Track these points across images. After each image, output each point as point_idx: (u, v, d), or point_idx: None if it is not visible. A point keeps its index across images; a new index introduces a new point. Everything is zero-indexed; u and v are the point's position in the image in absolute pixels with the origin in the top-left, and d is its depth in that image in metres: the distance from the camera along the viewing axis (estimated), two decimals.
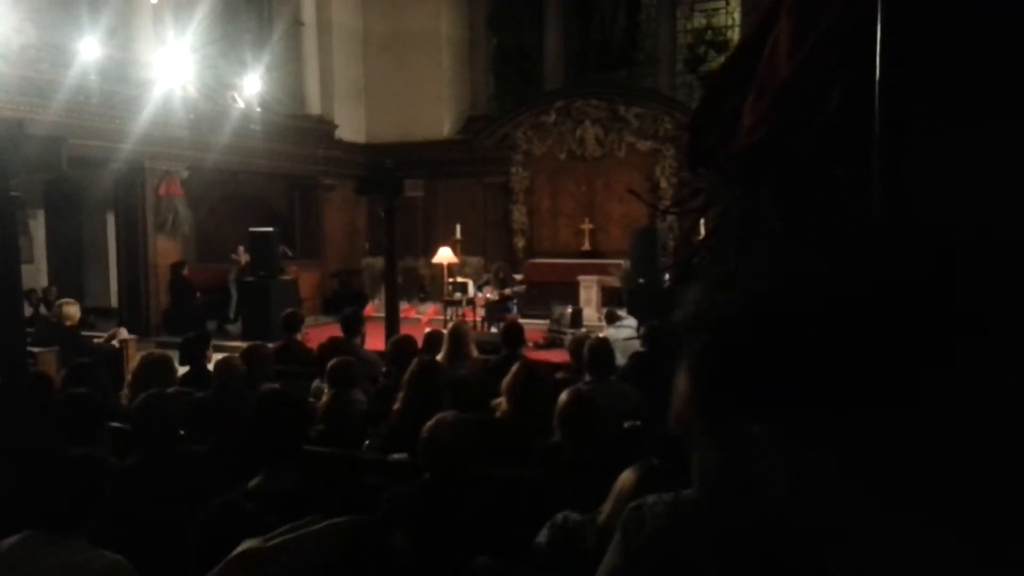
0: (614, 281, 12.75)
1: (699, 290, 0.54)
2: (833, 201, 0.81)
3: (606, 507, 2.31)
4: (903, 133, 0.72)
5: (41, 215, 15.64)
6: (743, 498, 0.54)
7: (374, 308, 13.34)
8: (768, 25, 1.04)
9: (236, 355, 5.02)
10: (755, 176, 0.92)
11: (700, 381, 0.52)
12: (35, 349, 6.70)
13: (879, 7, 0.69)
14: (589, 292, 13.17)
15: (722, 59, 16.31)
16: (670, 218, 14.05)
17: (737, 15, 16.58)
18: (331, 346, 6.17)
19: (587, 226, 15.69)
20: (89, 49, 11.19)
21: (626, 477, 2.29)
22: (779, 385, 0.48)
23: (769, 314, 0.48)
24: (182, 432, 3.59)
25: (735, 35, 16.56)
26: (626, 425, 4.20)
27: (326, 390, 4.67)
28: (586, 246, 15.57)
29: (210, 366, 5.65)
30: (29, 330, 6.47)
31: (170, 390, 4.23)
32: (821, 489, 0.49)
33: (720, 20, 17.09)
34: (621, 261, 12.79)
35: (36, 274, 14.50)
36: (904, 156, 0.71)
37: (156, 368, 4.70)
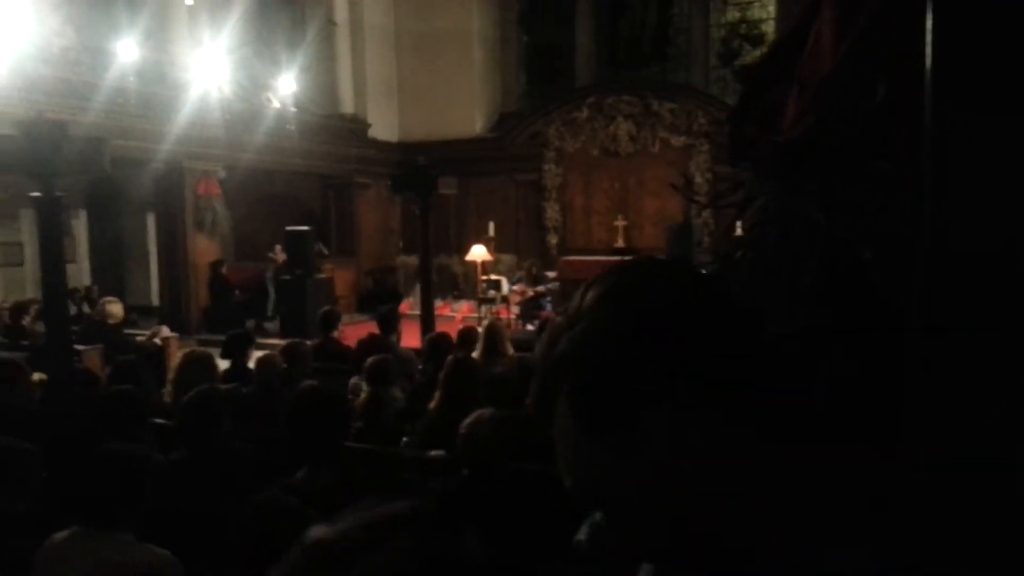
0: None
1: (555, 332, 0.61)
2: (878, 196, 0.80)
3: None
4: (952, 125, 0.71)
5: (83, 215, 15.98)
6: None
7: (409, 306, 13.43)
8: (810, 16, 1.02)
9: (276, 352, 5.09)
10: (797, 170, 0.92)
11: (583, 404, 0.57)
12: (79, 347, 6.85)
13: None
14: None
15: (756, 52, 16.13)
16: (705, 213, 13.95)
17: (772, 8, 16.35)
18: (369, 344, 6.22)
19: (620, 222, 15.62)
20: (127, 51, 11.40)
21: None
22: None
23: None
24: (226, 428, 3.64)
25: (770, 28, 16.35)
26: None
27: (364, 387, 4.71)
28: (619, 242, 15.50)
29: (249, 363, 5.74)
30: (73, 328, 6.63)
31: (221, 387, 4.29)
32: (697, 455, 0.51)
33: (754, 13, 16.87)
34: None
35: (79, 273, 14.82)
36: (954, 150, 0.71)
37: (198, 366, 4.77)
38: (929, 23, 0.70)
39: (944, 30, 0.70)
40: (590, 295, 0.58)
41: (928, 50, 0.70)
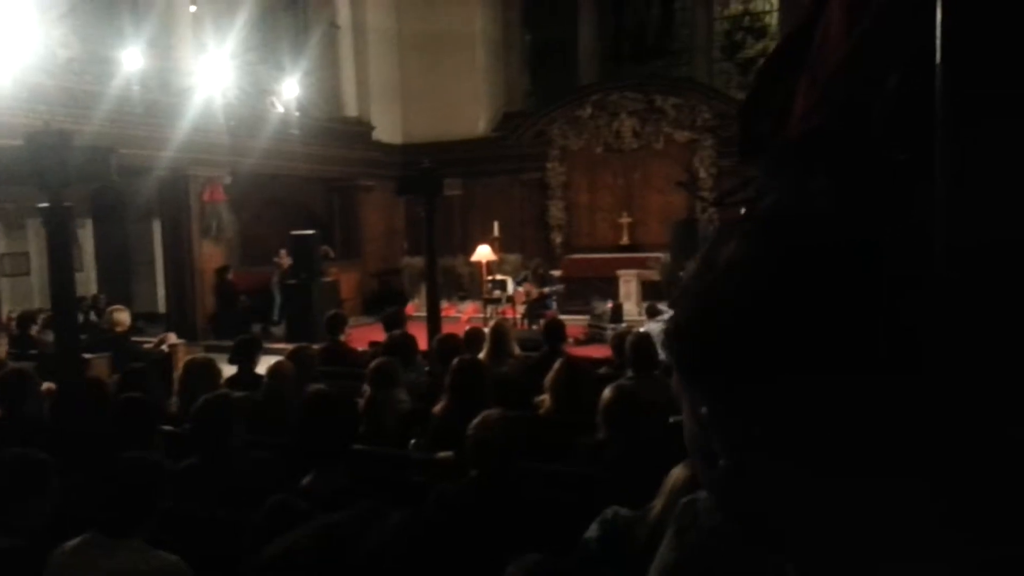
0: (653, 275, 12.66)
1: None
2: (893, 188, 0.78)
3: (657, 503, 2.29)
4: (968, 115, 0.69)
5: (89, 224, 16.04)
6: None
7: (414, 308, 13.43)
8: (820, 7, 1.00)
9: (287, 359, 5.08)
10: (809, 164, 0.89)
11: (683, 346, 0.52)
12: (87, 355, 6.86)
13: None
14: (628, 286, 13.09)
15: (760, 45, 16.09)
16: (711, 209, 13.90)
17: (775, 0, 16.32)
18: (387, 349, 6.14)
19: (625, 219, 15.59)
20: (131, 59, 11.43)
21: (677, 473, 2.27)
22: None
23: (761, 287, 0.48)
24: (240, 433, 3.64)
25: (773, 20, 16.30)
26: (671, 420, 4.17)
27: (367, 390, 4.70)
28: (624, 240, 15.48)
29: (257, 369, 5.74)
30: (81, 337, 6.64)
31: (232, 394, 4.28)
32: (763, 468, 0.48)
33: (757, 5, 16.83)
34: (660, 254, 12.69)
35: (86, 282, 14.88)
36: (970, 139, 0.68)
37: (201, 373, 4.78)
38: (939, 10, 0.68)
39: (955, 17, 0.68)
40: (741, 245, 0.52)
41: (939, 38, 0.69)
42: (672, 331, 0.51)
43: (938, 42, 0.72)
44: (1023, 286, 0.44)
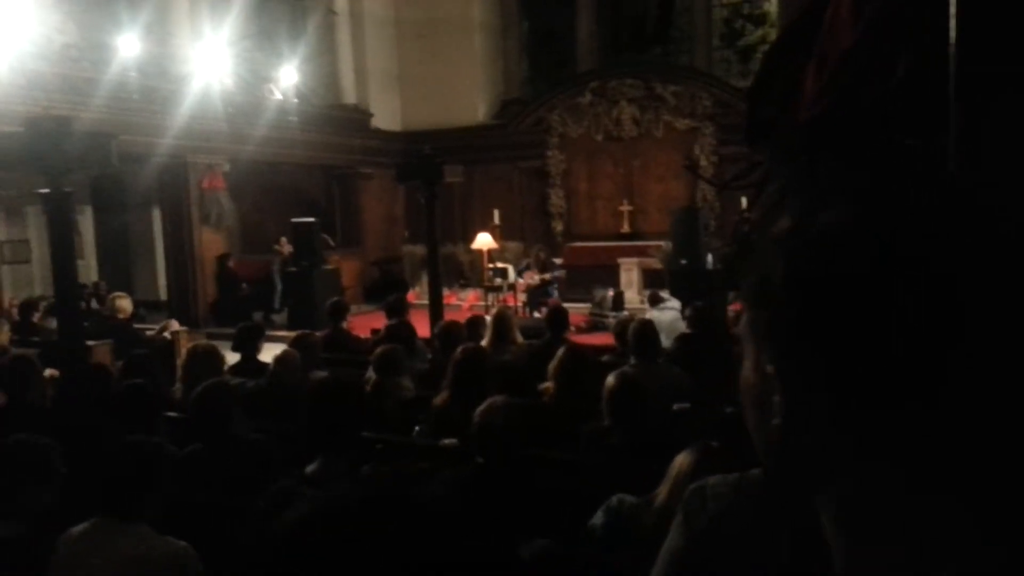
0: (654, 263, 12.66)
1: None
2: (903, 173, 0.79)
3: (663, 489, 2.31)
4: (980, 99, 0.70)
5: (89, 211, 16.02)
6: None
7: (415, 295, 13.44)
8: None
9: (292, 347, 5.09)
10: (817, 149, 0.90)
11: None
12: (89, 342, 6.87)
13: None
14: (629, 274, 13.09)
15: (759, 32, 16.02)
16: (711, 197, 13.89)
17: None
18: (387, 333, 6.18)
19: (625, 207, 15.57)
20: (129, 46, 11.38)
21: (683, 459, 2.28)
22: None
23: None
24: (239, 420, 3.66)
25: (772, 8, 16.21)
26: (675, 407, 4.18)
27: (372, 376, 4.72)
28: (625, 228, 15.46)
29: (259, 356, 5.76)
30: (84, 324, 6.65)
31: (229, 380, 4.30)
32: (811, 437, 0.49)
33: None
34: (661, 242, 12.69)
35: (86, 269, 14.87)
36: (982, 124, 0.69)
37: (204, 359, 4.79)
38: None
39: (968, 3, 0.69)
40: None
41: (952, 22, 0.69)
42: (768, 294, 0.51)
43: (951, 26, 0.72)
44: None
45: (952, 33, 0.75)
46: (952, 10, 0.72)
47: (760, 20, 16.41)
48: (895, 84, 0.87)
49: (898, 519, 0.47)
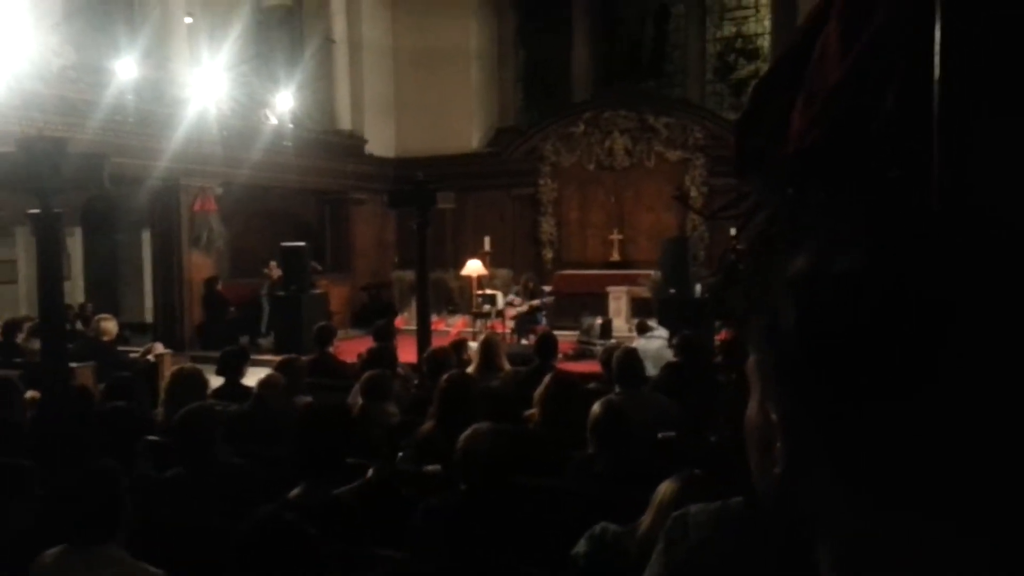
0: (643, 291, 12.69)
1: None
2: (887, 204, 0.79)
3: (646, 518, 2.29)
4: (963, 133, 0.70)
5: (78, 232, 15.96)
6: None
7: (404, 321, 13.41)
8: (816, 25, 1.02)
9: (277, 372, 5.06)
10: (805, 181, 0.90)
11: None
12: (73, 364, 6.81)
13: (938, 3, 0.67)
14: (618, 303, 13.11)
15: (752, 67, 16.24)
16: (701, 227, 13.97)
17: (767, 23, 16.48)
18: (369, 357, 6.17)
19: (616, 236, 15.64)
20: (126, 69, 11.43)
21: (667, 487, 2.27)
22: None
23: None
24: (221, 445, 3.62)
25: (765, 43, 16.46)
26: (660, 435, 4.17)
27: (359, 401, 4.69)
28: (615, 256, 15.52)
29: (243, 380, 5.72)
30: (68, 346, 6.59)
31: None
32: (814, 477, 0.49)
33: (750, 28, 17.00)
34: (651, 271, 12.73)
35: (73, 290, 14.78)
36: (965, 156, 0.69)
37: (187, 383, 4.75)
38: (938, 32, 0.70)
39: (952, 39, 0.70)
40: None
41: (937, 59, 0.70)
42: (773, 329, 0.50)
43: (936, 59, 0.73)
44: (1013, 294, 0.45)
45: (936, 68, 0.76)
46: (936, 47, 0.73)
47: (753, 55, 16.64)
48: (883, 118, 0.88)
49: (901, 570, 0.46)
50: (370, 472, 3.05)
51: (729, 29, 17.16)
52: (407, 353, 7.70)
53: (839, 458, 0.46)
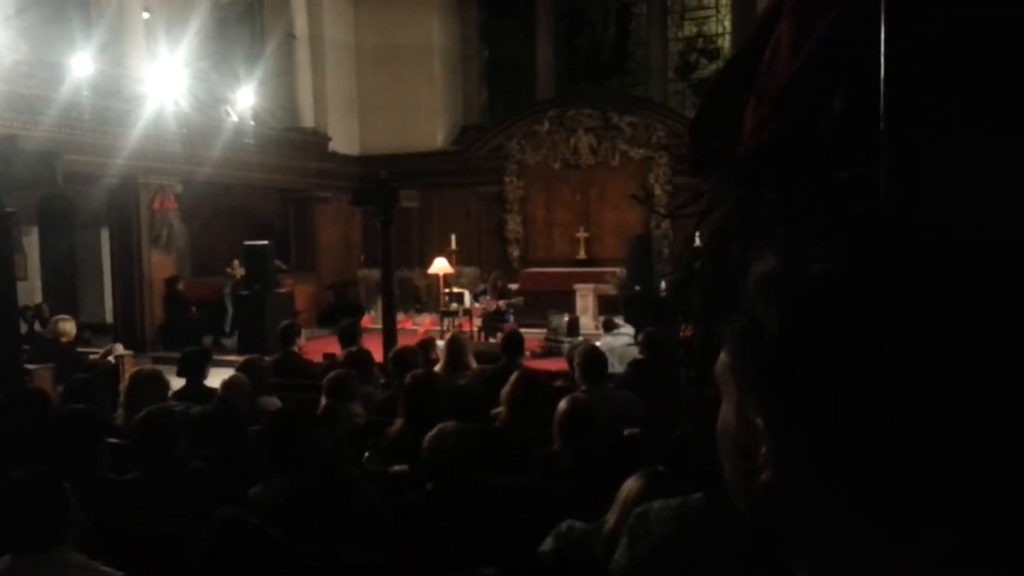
0: (610, 289, 12.77)
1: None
2: (836, 204, 0.81)
3: (611, 515, 2.31)
4: (909, 134, 0.73)
5: (35, 231, 15.58)
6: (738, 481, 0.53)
7: (370, 320, 13.33)
8: (768, 28, 1.04)
9: (241, 373, 4.99)
10: (757, 180, 0.92)
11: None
12: (30, 366, 6.67)
13: (883, 7, 0.70)
14: (585, 300, 13.17)
15: (713, 66, 16.42)
16: (665, 225, 14.10)
17: (727, 23, 16.67)
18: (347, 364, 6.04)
19: (582, 234, 15.72)
20: (82, 65, 11.19)
21: (631, 484, 2.29)
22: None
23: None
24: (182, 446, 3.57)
25: (726, 43, 16.65)
26: (626, 432, 4.20)
27: (323, 402, 4.64)
28: (581, 254, 15.59)
29: (206, 381, 5.64)
30: (24, 347, 6.45)
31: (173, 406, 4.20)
32: (802, 490, 0.48)
33: (710, 28, 17.19)
34: (616, 269, 12.81)
35: (30, 291, 14.43)
36: (911, 157, 0.72)
37: (147, 384, 4.68)
38: (883, 35, 0.71)
39: (896, 42, 0.72)
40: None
41: (882, 61, 0.72)
42: (752, 333, 0.49)
43: (881, 65, 0.75)
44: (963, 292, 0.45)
45: (882, 71, 0.78)
46: (882, 49, 0.75)
47: (714, 55, 16.82)
48: (831, 118, 0.90)
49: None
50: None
51: (690, 29, 17.33)
52: (374, 352, 7.66)
53: (827, 465, 0.45)
